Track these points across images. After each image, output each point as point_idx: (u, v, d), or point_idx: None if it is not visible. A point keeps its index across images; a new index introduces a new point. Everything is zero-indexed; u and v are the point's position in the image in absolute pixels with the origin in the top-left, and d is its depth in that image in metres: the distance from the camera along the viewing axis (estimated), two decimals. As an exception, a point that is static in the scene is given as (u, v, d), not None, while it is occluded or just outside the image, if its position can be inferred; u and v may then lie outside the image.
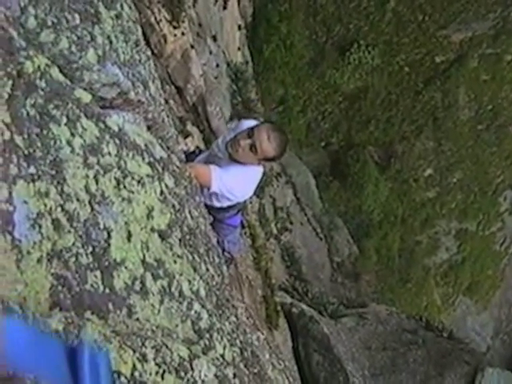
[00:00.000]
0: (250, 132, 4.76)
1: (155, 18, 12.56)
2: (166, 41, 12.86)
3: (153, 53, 12.33)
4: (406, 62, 29.77)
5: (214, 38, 18.39)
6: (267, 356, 5.63)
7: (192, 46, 14.08)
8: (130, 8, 3.44)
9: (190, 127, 13.51)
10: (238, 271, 9.79)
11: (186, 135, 12.79)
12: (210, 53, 17.49)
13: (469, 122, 32.40)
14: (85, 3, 2.84)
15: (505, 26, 30.50)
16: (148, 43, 12.24)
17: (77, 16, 2.72)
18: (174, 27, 13.07)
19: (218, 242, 5.73)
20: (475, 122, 32.61)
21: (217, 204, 5.14)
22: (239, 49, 22.52)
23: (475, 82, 31.46)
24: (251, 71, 23.44)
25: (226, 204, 5.19)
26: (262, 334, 6.72)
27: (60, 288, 2.09)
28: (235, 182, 4.90)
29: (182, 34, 13.40)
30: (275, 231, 21.05)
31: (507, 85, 32.43)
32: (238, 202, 5.30)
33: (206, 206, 4.99)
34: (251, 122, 5.20)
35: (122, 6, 3.29)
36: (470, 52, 30.58)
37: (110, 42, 2.99)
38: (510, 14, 30.34)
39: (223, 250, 5.82)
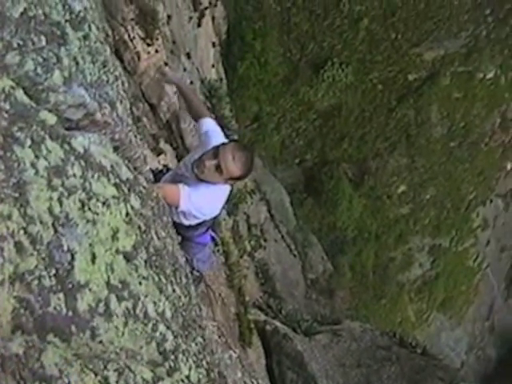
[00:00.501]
0: (215, 152, 4.74)
1: (129, 36, 12.54)
2: (139, 58, 12.84)
3: (126, 70, 12.31)
4: (380, 80, 30.04)
5: (188, 56, 18.40)
6: (239, 374, 5.61)
7: (166, 64, 14.07)
8: (98, 29, 3.44)
9: (162, 145, 13.47)
10: (210, 289, 9.77)
11: (159, 153, 12.74)
12: (184, 70, 17.49)
13: (441, 139, 32.72)
14: (51, 25, 2.84)
15: (476, 44, 30.93)
16: (121, 60, 12.23)
17: (43, 38, 2.72)
18: (148, 44, 13.06)
19: (186, 260, 5.71)
20: (448, 138, 32.94)
21: (185, 222, 5.11)
22: (213, 66, 22.57)
23: (447, 99, 31.82)
24: (225, 88, 23.47)
25: (194, 222, 5.17)
26: (235, 352, 6.69)
27: (22, 311, 2.08)
28: (203, 201, 4.90)
29: (156, 51, 13.39)
30: (249, 248, 21.02)
31: (479, 102, 32.84)
32: (205, 219, 5.26)
33: (175, 224, 4.96)
34: (217, 139, 5.20)
35: (89, 26, 3.28)
36: (442, 70, 30.94)
37: (77, 64, 2.99)
38: (481, 32, 30.78)
39: (192, 269, 5.80)
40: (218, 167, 4.68)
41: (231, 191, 5.27)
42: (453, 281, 36.95)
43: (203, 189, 4.86)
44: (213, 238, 6.01)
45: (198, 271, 5.95)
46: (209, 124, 5.45)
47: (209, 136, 5.32)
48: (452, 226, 35.61)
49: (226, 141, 5.22)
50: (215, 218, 5.48)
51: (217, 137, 5.30)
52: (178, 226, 5.06)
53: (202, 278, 6.69)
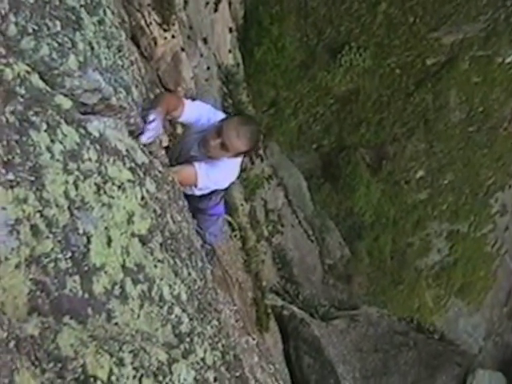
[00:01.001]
0: (218, 130, 4.60)
1: (145, 21, 12.55)
2: (156, 44, 12.85)
3: (143, 56, 12.34)
4: (398, 64, 29.78)
5: (205, 41, 18.39)
6: (256, 359, 5.65)
7: (182, 49, 14.08)
8: (113, 13, 3.45)
9: (180, 130, 13.51)
10: (227, 274, 9.81)
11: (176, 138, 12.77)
12: (201, 55, 17.49)
13: (460, 124, 32.42)
14: (66, 10, 2.86)
15: (495, 28, 30.56)
16: (138, 46, 12.25)
17: (58, 23, 2.74)
18: (165, 30, 13.07)
19: (198, 233, 5.71)
20: (466, 123, 32.64)
21: (197, 192, 5.08)
22: (230, 51, 22.52)
23: (466, 84, 31.50)
24: (242, 73, 23.41)
25: (207, 191, 5.14)
26: (252, 337, 6.73)
27: (38, 293, 2.10)
28: (220, 175, 4.88)
29: (173, 36, 13.40)
30: (266, 234, 21.02)
31: (498, 87, 32.48)
32: (218, 188, 5.24)
33: (187, 196, 4.93)
34: (217, 116, 5.01)
35: (104, 11, 3.30)
36: (460, 54, 30.61)
37: (92, 48, 3.00)
38: (500, 16, 30.40)
39: (204, 242, 5.81)
40: (223, 145, 4.59)
41: (243, 161, 5.22)
42: (471, 266, 36.71)
43: (218, 163, 4.78)
44: (226, 209, 6.00)
45: (209, 245, 5.96)
46: (194, 106, 5.02)
47: (208, 112, 5.06)
48: (470, 212, 35.34)
49: (221, 115, 5.07)
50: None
51: (216, 114, 5.08)
52: (190, 198, 5.02)
53: (215, 252, 6.70)
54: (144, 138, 3.56)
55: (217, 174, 4.79)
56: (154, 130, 3.75)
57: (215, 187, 5.04)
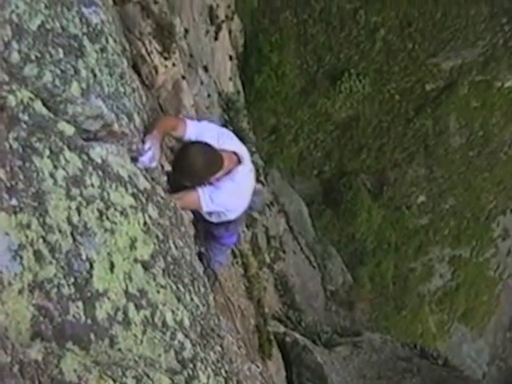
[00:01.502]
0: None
1: (146, 50, 12.63)
2: (157, 72, 12.92)
3: (144, 84, 12.40)
4: (397, 90, 29.96)
5: (206, 69, 18.50)
6: (259, 386, 5.61)
7: (183, 77, 14.15)
8: (115, 41, 3.48)
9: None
10: (229, 301, 9.76)
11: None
12: (202, 83, 17.58)
13: (460, 149, 32.53)
14: (69, 37, 2.88)
15: (494, 52, 30.78)
16: (139, 74, 12.32)
17: (60, 50, 2.76)
18: (165, 58, 13.15)
19: (202, 256, 5.66)
20: (466, 148, 32.74)
21: (214, 220, 4.99)
22: (230, 79, 22.66)
23: (466, 108, 31.65)
24: (243, 101, 23.54)
25: (224, 218, 5.01)
26: (256, 364, 6.69)
27: (41, 318, 2.10)
28: (225, 197, 4.67)
29: (173, 64, 13.48)
30: (268, 260, 20.99)
31: (498, 111, 32.63)
32: (231, 218, 5.07)
33: (205, 221, 4.97)
34: (226, 138, 4.81)
35: (106, 39, 3.33)
36: (460, 79, 30.80)
37: (94, 76, 3.03)
38: (498, 41, 30.62)
39: (208, 266, 5.81)
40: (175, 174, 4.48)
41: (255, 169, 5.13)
42: (474, 291, 36.63)
43: (224, 184, 4.61)
44: (238, 241, 5.94)
45: (212, 270, 5.93)
46: (199, 125, 4.75)
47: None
48: (472, 236, 35.33)
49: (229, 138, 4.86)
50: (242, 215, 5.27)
51: (221, 134, 4.83)
52: (206, 224, 5.05)
53: (216, 277, 6.66)
54: (140, 167, 3.55)
55: (220, 196, 4.61)
56: (149, 158, 3.73)
57: (224, 210, 4.85)
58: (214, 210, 4.78)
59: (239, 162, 4.75)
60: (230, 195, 4.69)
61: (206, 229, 5.43)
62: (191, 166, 4.28)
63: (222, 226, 5.22)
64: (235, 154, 4.73)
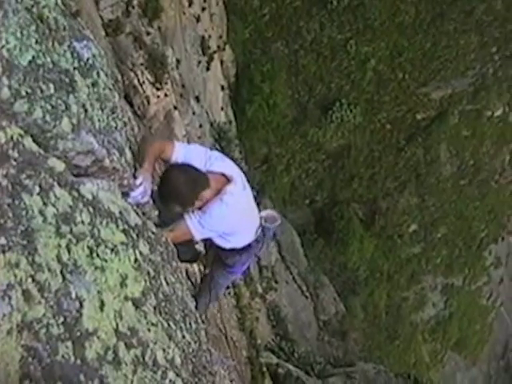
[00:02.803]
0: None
1: (138, 80, 12.69)
2: (149, 102, 12.97)
3: (136, 114, 12.44)
4: (388, 120, 30.12)
5: (197, 99, 18.58)
6: (251, 419, 5.53)
7: (175, 107, 14.21)
8: (107, 75, 3.47)
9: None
10: (222, 332, 9.69)
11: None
12: (194, 113, 17.64)
13: (451, 178, 32.66)
14: (60, 72, 2.87)
15: (484, 82, 31.05)
16: (131, 105, 12.36)
17: (51, 85, 2.75)
18: (157, 89, 13.20)
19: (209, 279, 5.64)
20: (458, 177, 32.88)
21: (221, 244, 4.87)
22: (222, 109, 22.75)
23: (456, 138, 31.83)
24: (234, 131, 23.62)
25: (233, 245, 4.91)
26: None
27: (30, 360, 2.07)
28: (212, 220, 4.50)
29: (165, 95, 13.54)
30: (260, 290, 20.90)
31: (488, 140, 32.85)
32: (243, 242, 4.97)
33: (217, 247, 4.87)
34: (214, 161, 4.67)
35: (98, 73, 3.32)
36: (450, 109, 31.01)
37: (85, 111, 3.01)
38: (488, 70, 30.92)
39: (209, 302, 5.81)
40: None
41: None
42: (467, 320, 36.56)
43: (212, 206, 4.45)
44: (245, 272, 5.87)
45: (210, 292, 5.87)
46: (187, 148, 4.66)
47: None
48: (464, 265, 35.34)
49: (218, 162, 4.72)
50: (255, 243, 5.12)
51: (208, 157, 4.69)
52: (219, 250, 4.96)
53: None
54: (132, 202, 3.51)
55: (209, 220, 4.44)
56: (141, 193, 3.70)
57: (220, 233, 4.70)
58: (209, 236, 4.66)
59: (228, 181, 4.58)
60: (221, 217, 4.52)
61: (219, 256, 5.30)
62: (174, 188, 4.19)
63: (235, 255, 5.11)
64: (223, 175, 4.59)
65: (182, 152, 4.47)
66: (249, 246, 5.03)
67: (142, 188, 3.71)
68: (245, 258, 5.26)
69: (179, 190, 4.21)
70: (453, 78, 30.61)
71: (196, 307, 5.06)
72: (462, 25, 29.64)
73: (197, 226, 4.43)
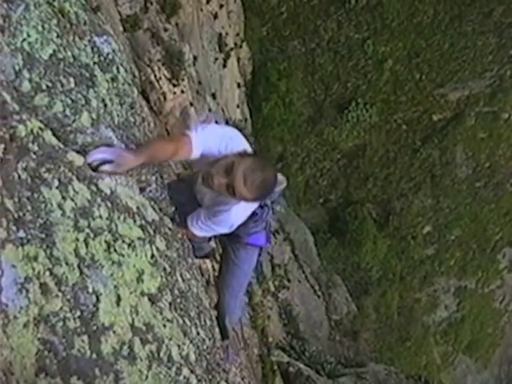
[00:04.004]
0: (228, 168, 3.69)
1: (155, 76, 12.69)
2: (165, 98, 12.96)
3: (152, 110, 12.44)
4: (404, 120, 30.02)
5: (214, 96, 18.56)
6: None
7: (191, 104, 14.20)
8: (126, 71, 3.47)
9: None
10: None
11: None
12: (210, 110, 17.63)
13: (467, 180, 32.50)
14: (80, 67, 2.87)
15: (501, 84, 30.86)
16: (147, 101, 12.36)
17: (72, 80, 2.75)
18: (174, 85, 13.20)
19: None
20: (473, 179, 32.71)
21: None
22: (238, 106, 22.74)
23: (472, 139, 31.66)
24: (250, 128, 23.61)
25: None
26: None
27: (46, 353, 2.06)
28: (225, 220, 4.13)
29: (182, 91, 13.53)
30: (273, 288, 20.85)
31: (504, 142, 32.64)
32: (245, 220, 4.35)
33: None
34: (235, 142, 4.07)
35: (118, 69, 3.32)
36: (467, 110, 30.85)
37: (105, 105, 3.01)
38: (506, 72, 30.71)
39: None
40: (228, 186, 3.71)
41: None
42: (479, 323, 36.39)
43: (222, 207, 4.05)
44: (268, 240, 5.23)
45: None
46: (204, 137, 3.92)
47: (217, 130, 4.09)
48: (478, 268, 35.17)
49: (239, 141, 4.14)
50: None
51: (229, 137, 4.10)
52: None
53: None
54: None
55: (219, 219, 4.07)
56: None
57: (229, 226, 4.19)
58: (212, 231, 4.16)
59: None
60: (229, 216, 4.11)
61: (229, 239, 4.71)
62: (270, 186, 3.81)
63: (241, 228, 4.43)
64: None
65: (199, 147, 3.84)
66: (254, 213, 4.49)
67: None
68: (253, 226, 4.61)
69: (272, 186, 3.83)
70: (470, 80, 30.45)
71: (223, 335, 4.71)
72: (480, 26, 29.47)
73: (197, 228, 4.11)
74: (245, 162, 3.73)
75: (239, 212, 4.15)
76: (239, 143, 4.09)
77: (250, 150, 4.14)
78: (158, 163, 3.80)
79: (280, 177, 4.31)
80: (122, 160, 2.97)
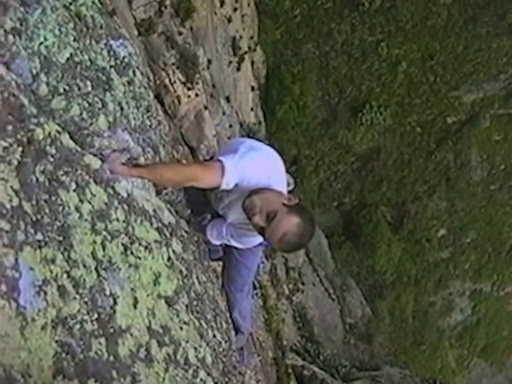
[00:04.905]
0: (271, 216, 3.44)
1: (169, 80, 12.73)
2: (179, 102, 13.00)
3: (167, 113, 12.48)
4: (418, 123, 29.93)
5: (228, 99, 18.59)
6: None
7: (205, 107, 14.23)
8: (142, 74, 3.49)
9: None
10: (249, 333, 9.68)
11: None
12: (224, 113, 17.66)
13: (481, 182, 32.34)
14: (97, 70, 2.89)
15: (516, 86, 30.76)
16: (162, 104, 12.40)
17: (88, 83, 2.77)
18: (188, 88, 13.23)
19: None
20: (488, 182, 32.55)
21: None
22: (252, 109, 22.74)
23: (487, 142, 31.52)
24: (264, 132, 23.62)
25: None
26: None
27: (64, 355, 2.07)
28: (247, 240, 4.12)
29: (196, 95, 13.56)
30: (287, 292, 20.87)
31: (520, 145, 32.51)
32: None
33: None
34: (277, 176, 3.74)
35: (134, 72, 3.33)
36: (481, 112, 30.72)
37: (121, 109, 3.03)
38: (521, 74, 30.61)
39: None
40: (263, 230, 3.51)
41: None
42: (494, 326, 36.20)
43: (250, 233, 3.93)
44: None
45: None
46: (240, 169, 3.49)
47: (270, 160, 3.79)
48: (493, 271, 34.99)
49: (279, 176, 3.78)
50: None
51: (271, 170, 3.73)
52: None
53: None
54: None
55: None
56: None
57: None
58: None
59: None
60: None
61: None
62: (303, 244, 3.61)
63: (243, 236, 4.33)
64: None
65: (235, 179, 3.47)
66: None
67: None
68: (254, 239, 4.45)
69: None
70: (485, 82, 30.32)
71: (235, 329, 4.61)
72: (495, 28, 29.34)
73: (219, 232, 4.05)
74: (289, 221, 3.49)
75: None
76: (281, 172, 3.84)
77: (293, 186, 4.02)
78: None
79: (288, 179, 4.23)
80: (114, 167, 2.86)
